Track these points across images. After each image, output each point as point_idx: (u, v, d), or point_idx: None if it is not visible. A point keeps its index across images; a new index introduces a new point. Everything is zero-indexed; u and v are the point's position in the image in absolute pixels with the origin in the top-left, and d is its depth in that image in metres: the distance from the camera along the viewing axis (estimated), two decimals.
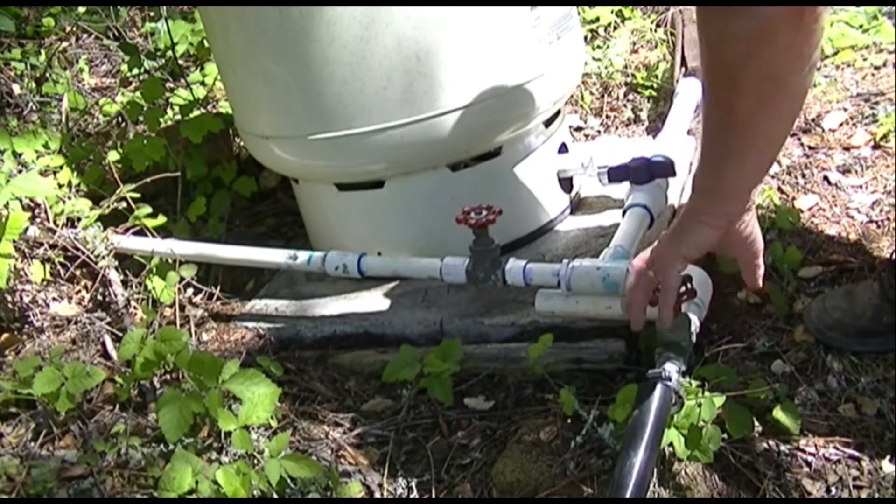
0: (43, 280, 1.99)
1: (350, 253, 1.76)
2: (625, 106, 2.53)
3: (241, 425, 1.40)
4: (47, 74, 2.88)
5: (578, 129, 2.51)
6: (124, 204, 2.02)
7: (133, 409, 1.63)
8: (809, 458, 1.31)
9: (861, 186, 1.96)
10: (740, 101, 1.03)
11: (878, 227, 1.80)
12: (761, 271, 1.24)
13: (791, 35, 0.96)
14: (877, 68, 2.42)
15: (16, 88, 2.76)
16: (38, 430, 1.60)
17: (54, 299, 2.00)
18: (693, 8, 2.63)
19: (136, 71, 2.58)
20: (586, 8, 2.84)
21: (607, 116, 2.53)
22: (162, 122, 2.37)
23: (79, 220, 2.04)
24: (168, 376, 1.70)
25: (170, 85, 2.65)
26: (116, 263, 1.99)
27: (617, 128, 2.49)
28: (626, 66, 2.62)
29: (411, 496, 1.41)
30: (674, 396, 1.30)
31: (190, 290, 2.00)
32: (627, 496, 1.15)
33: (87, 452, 1.50)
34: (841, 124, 2.21)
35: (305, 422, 1.57)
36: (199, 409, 1.43)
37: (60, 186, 2.16)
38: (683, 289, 1.29)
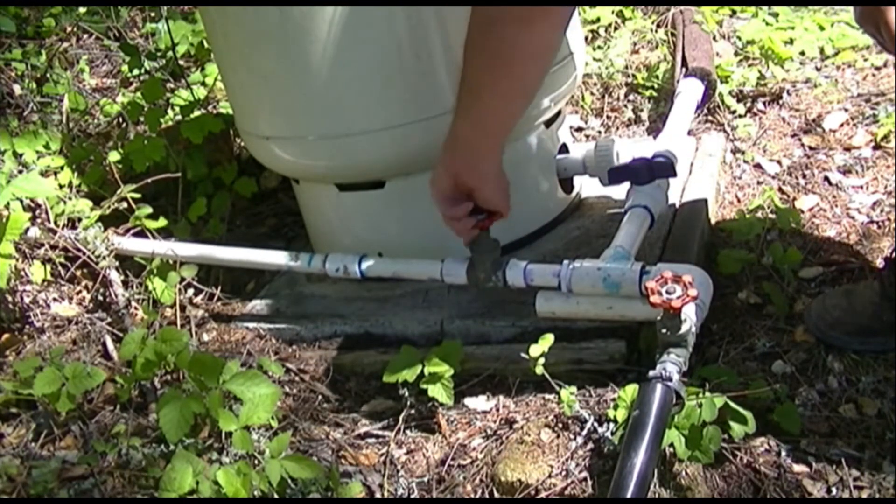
0: (43, 280, 1.99)
1: (350, 254, 1.76)
2: (625, 106, 2.53)
3: (241, 426, 1.39)
4: (48, 75, 2.88)
5: (579, 129, 2.50)
6: (125, 204, 2.02)
7: (134, 409, 1.63)
8: (810, 459, 1.31)
9: (862, 187, 1.96)
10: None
11: (879, 227, 1.80)
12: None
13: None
14: (877, 69, 2.42)
15: (16, 89, 2.76)
16: (38, 430, 1.60)
17: (55, 300, 2.00)
18: (693, 8, 2.64)
19: (136, 71, 2.58)
20: (586, 8, 2.84)
21: (608, 117, 2.53)
22: (162, 123, 2.37)
23: (79, 220, 2.04)
24: (169, 377, 1.70)
25: (170, 85, 2.65)
26: (117, 264, 1.99)
27: (618, 128, 2.49)
28: (626, 67, 2.61)
29: (411, 496, 1.41)
30: (674, 397, 1.30)
31: (191, 291, 2.00)
32: (628, 496, 1.15)
33: (88, 453, 1.50)
34: (841, 125, 2.21)
35: (306, 422, 1.57)
36: (199, 410, 1.43)
37: (61, 187, 2.16)
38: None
